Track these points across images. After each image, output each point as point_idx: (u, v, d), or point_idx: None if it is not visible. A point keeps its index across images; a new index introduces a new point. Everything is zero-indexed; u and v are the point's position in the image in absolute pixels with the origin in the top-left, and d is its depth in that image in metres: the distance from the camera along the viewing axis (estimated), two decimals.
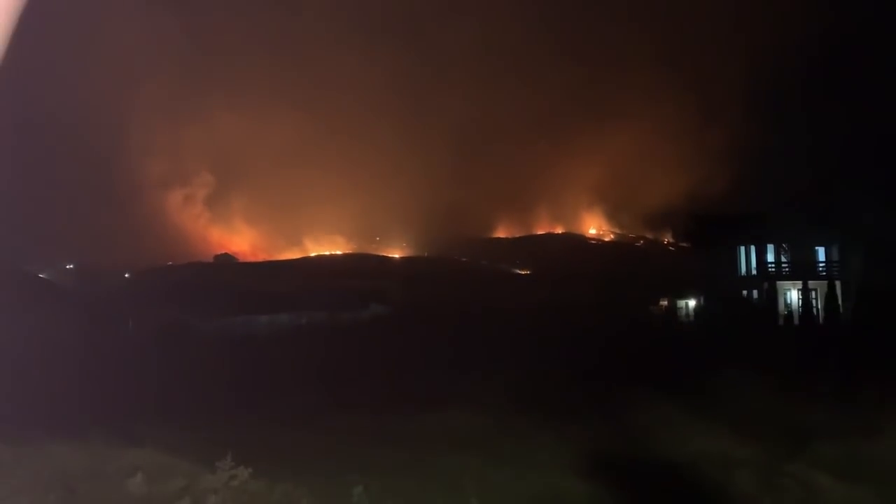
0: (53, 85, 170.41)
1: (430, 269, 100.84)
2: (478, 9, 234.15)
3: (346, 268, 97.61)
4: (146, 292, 56.88)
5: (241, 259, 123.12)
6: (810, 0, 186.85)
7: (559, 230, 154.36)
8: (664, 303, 53.85)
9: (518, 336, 31.87)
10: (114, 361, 27.92)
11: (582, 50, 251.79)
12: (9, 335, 25.92)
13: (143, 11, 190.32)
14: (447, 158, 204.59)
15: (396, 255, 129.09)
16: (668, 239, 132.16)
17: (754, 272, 47.62)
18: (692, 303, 50.64)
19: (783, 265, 47.08)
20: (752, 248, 48.06)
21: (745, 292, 46.80)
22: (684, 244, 65.65)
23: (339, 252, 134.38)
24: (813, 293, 44.35)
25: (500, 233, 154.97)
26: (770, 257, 47.39)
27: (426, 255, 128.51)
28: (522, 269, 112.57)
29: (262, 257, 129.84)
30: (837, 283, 42.07)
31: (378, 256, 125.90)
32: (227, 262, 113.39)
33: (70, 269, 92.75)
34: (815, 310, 42.95)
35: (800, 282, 45.07)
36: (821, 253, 46.63)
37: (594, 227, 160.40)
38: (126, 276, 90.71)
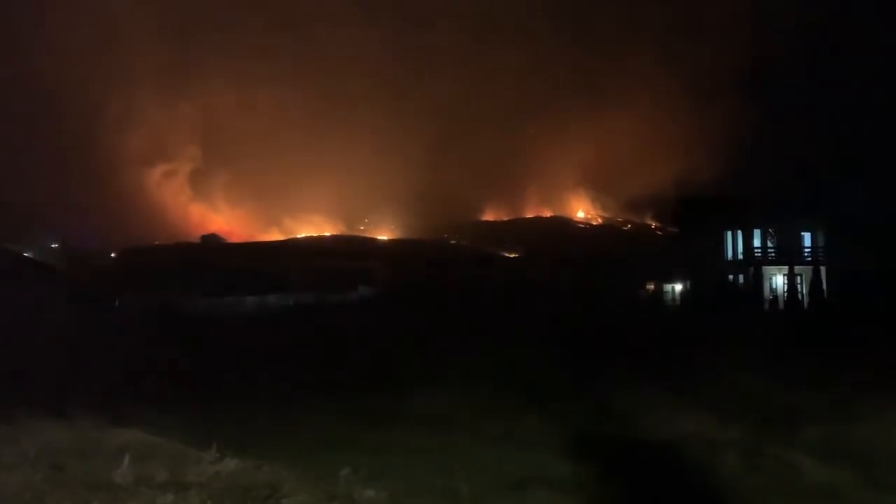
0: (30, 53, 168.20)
1: (419, 251, 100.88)
2: None
3: (334, 249, 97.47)
4: (133, 272, 56.63)
5: (228, 240, 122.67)
6: None
7: (547, 213, 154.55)
8: (651, 286, 54.14)
9: (506, 317, 32.02)
10: (100, 341, 27.85)
11: (572, 33, 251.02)
12: None
13: None
14: (436, 140, 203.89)
15: (385, 238, 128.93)
16: (655, 223, 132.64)
17: (740, 257, 47.93)
18: (678, 287, 50.92)
19: (769, 250, 47.40)
20: (739, 232, 48.37)
21: (731, 277, 47.12)
22: (671, 228, 65.86)
23: (327, 234, 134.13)
24: (798, 278, 44.74)
25: (489, 216, 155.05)
26: (756, 242, 47.71)
27: (415, 237, 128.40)
28: (511, 252, 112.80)
29: (249, 238, 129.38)
30: (822, 269, 42.45)
31: (366, 238, 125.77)
32: (213, 243, 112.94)
33: (55, 248, 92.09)
34: (800, 294, 43.33)
35: (785, 267, 45.41)
36: (806, 238, 46.96)
37: (582, 210, 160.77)
38: (112, 255, 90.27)
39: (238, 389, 19.98)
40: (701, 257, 47.40)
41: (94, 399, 14.27)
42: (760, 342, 23.06)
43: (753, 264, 46.01)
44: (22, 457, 6.85)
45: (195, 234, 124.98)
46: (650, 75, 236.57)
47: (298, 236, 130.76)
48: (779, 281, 46.02)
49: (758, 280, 45.12)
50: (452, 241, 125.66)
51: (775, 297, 43.84)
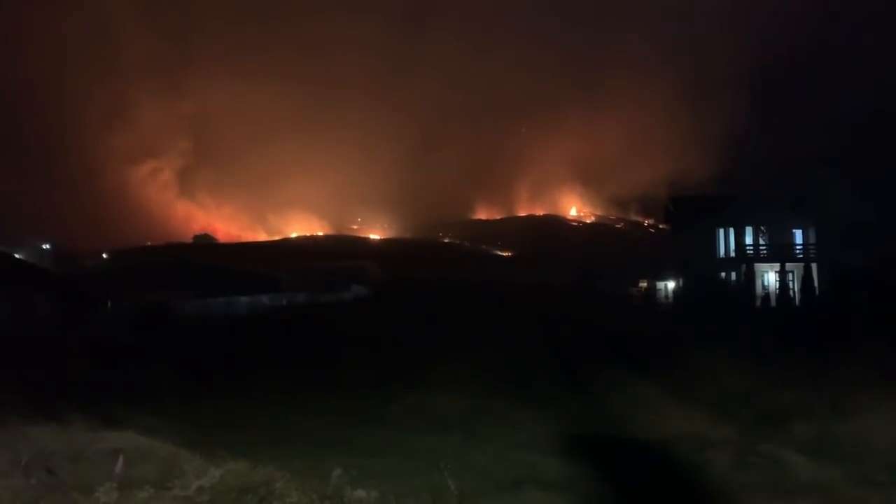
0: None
1: (412, 250, 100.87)
2: None
3: (326, 249, 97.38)
4: (125, 273, 56.45)
5: (220, 240, 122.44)
6: None
7: (540, 212, 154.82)
8: (643, 284, 54.25)
9: (498, 316, 32.04)
10: (92, 342, 27.77)
11: (564, 30, 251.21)
12: None
13: None
14: (428, 139, 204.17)
15: (377, 237, 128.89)
16: (647, 221, 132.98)
17: (732, 254, 48.10)
18: (671, 284, 51.05)
19: (761, 247, 47.57)
20: (731, 230, 48.53)
21: (723, 274, 47.26)
22: (663, 226, 66.02)
23: (319, 233, 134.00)
24: (790, 275, 44.92)
25: (482, 214, 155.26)
26: (748, 240, 47.88)
27: (407, 236, 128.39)
28: (504, 251, 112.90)
29: (241, 237, 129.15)
30: (814, 266, 42.65)
31: (359, 238, 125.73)
32: (205, 243, 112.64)
33: (46, 249, 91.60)
34: (791, 291, 43.51)
35: (777, 264, 45.59)
36: (798, 235, 47.14)
37: (575, 208, 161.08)
38: (104, 256, 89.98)
39: (230, 390, 19.97)
40: (693, 255, 47.48)
41: (85, 400, 14.23)
42: (752, 340, 23.13)
43: (745, 261, 46.14)
44: (14, 461, 6.85)
45: (187, 234, 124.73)
46: (643, 74, 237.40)
47: (291, 236, 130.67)
48: (770, 278, 46.18)
49: (750, 277, 45.25)
50: (446, 240, 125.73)
51: (767, 295, 43.95)
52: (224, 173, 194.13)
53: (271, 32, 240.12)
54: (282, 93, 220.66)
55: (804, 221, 46.15)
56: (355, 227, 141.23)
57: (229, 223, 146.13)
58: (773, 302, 42.20)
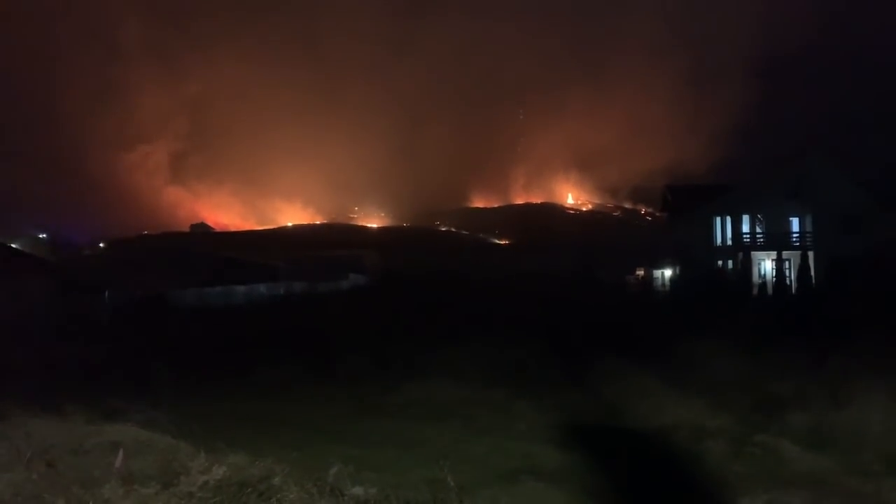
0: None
1: (409, 238, 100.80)
2: None
3: (324, 237, 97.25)
4: (123, 262, 56.34)
5: (217, 229, 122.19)
6: None
7: (537, 200, 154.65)
8: (641, 272, 54.28)
9: (496, 305, 32.06)
10: (90, 332, 27.80)
11: (566, 16, 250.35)
12: None
13: None
14: (426, 128, 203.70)
15: (374, 225, 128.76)
16: (644, 209, 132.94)
17: (729, 242, 48.18)
18: (668, 272, 51.11)
19: (758, 236, 47.65)
20: (728, 218, 48.61)
21: (720, 262, 47.35)
22: (661, 214, 65.99)
23: (317, 222, 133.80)
24: (787, 263, 45.02)
25: (479, 202, 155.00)
26: (745, 228, 47.96)
27: (405, 224, 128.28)
28: (501, 239, 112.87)
29: (238, 226, 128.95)
30: (811, 254, 42.75)
31: (356, 226, 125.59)
32: (203, 232, 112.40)
33: (43, 238, 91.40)
34: (788, 280, 43.61)
35: (774, 252, 45.68)
36: (795, 224, 47.22)
37: (572, 196, 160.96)
38: (101, 245, 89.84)
39: (228, 380, 20.02)
40: (690, 243, 47.56)
41: (84, 391, 14.26)
42: (749, 329, 23.16)
43: (742, 250, 46.22)
44: (15, 455, 6.86)
45: (184, 224, 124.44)
46: (644, 61, 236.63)
47: (288, 225, 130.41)
48: (767, 266, 46.28)
49: (746, 265, 45.32)
50: (443, 229, 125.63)
51: (764, 283, 44.04)
52: (223, 163, 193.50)
53: (266, 19, 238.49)
54: (277, 79, 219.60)
55: (801, 210, 46.24)
56: (353, 215, 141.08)
57: (225, 212, 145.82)
58: (769, 290, 42.27)
